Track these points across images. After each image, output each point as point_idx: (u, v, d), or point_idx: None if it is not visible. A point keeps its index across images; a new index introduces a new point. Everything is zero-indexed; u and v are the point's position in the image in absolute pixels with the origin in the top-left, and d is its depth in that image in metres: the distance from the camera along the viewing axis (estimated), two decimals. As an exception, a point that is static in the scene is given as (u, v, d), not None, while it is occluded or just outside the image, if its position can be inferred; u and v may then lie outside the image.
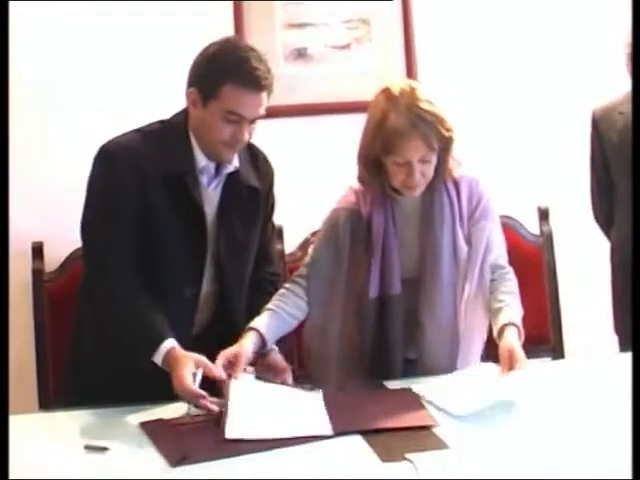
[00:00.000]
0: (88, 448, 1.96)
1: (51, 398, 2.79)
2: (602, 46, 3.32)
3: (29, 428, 2.11)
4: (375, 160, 2.36)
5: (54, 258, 2.89)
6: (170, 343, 2.16)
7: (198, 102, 2.23)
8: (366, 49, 3.18)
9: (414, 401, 2.17)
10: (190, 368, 2.09)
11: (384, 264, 2.41)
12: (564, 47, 3.32)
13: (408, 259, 2.44)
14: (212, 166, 2.31)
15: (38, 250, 2.93)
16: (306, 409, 2.10)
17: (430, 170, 2.34)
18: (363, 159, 2.39)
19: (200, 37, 3.01)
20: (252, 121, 2.24)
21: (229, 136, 2.23)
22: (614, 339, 3.10)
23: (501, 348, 2.27)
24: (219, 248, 2.34)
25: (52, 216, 2.91)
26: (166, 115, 2.95)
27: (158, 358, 2.15)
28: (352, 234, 2.44)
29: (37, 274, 2.89)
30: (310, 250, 2.55)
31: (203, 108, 2.23)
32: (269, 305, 2.38)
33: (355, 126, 3.16)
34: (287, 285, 2.46)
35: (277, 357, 2.33)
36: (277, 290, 2.45)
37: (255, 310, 2.36)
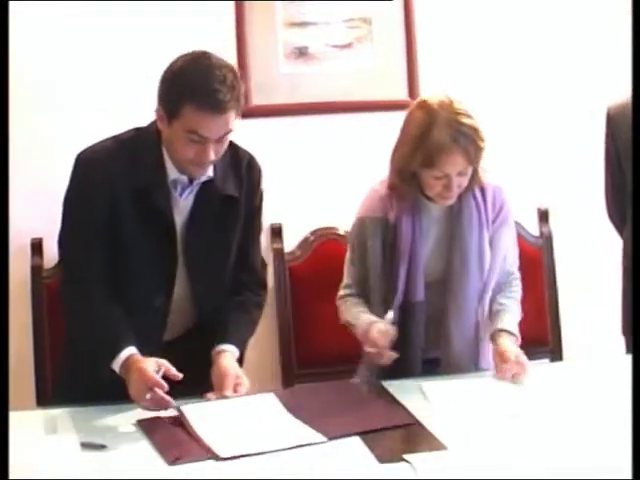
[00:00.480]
0: (85, 445, 1.96)
1: (49, 395, 2.79)
2: (602, 49, 3.32)
3: (26, 425, 2.11)
4: (412, 172, 2.37)
5: (53, 255, 2.88)
6: (129, 351, 2.16)
7: (164, 119, 2.19)
8: (367, 48, 3.17)
9: (384, 399, 2.23)
10: (151, 365, 2.10)
11: (410, 271, 2.44)
12: (564, 48, 3.31)
13: (433, 262, 2.48)
14: (184, 177, 2.28)
15: (37, 247, 2.93)
16: (280, 418, 2.08)
17: (466, 181, 2.38)
18: (399, 171, 2.40)
19: (201, 36, 3.06)
20: (220, 139, 2.19)
21: (194, 155, 2.19)
22: (613, 340, 3.10)
23: (494, 351, 2.37)
24: (190, 256, 2.32)
25: (51, 213, 2.87)
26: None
27: (116, 365, 2.15)
28: (382, 243, 2.46)
29: (36, 270, 2.90)
30: (346, 268, 2.56)
31: (168, 126, 2.19)
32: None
33: (355, 125, 3.20)
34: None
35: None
36: (256, 299, 2.45)
37: (224, 318, 2.37)
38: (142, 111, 3.00)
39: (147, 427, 2.04)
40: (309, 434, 1.97)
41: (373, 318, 2.40)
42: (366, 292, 2.51)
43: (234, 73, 2.18)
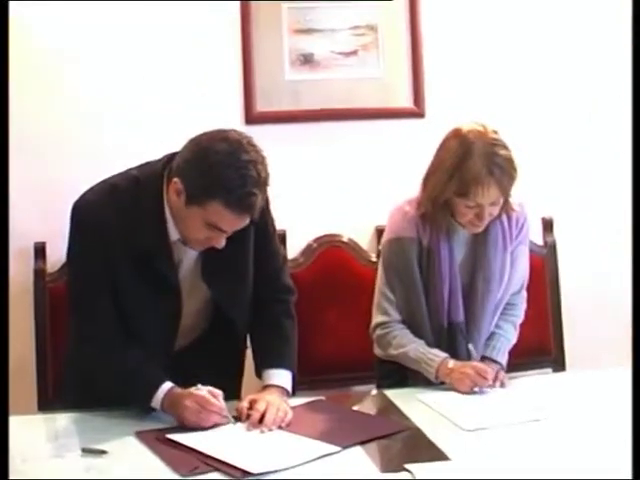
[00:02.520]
0: (85, 451, 1.95)
1: (50, 399, 2.79)
2: (606, 60, 3.32)
3: (27, 429, 2.10)
4: (445, 199, 2.38)
5: (56, 259, 2.88)
6: (168, 385, 2.14)
7: (181, 195, 2.11)
8: (373, 56, 3.17)
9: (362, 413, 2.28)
10: (199, 392, 2.10)
11: (451, 292, 2.46)
12: (569, 58, 3.31)
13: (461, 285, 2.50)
14: None
15: (40, 250, 2.92)
16: (281, 436, 2.05)
17: (497, 210, 2.40)
18: (434, 199, 2.40)
19: (207, 42, 3.06)
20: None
21: (204, 239, 2.15)
22: (616, 350, 3.09)
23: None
24: (209, 283, 2.28)
25: (55, 217, 2.89)
26: (169, 117, 2.99)
27: (157, 403, 2.13)
28: (418, 265, 2.47)
29: (39, 274, 2.89)
30: (380, 290, 2.53)
31: (185, 206, 2.11)
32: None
33: (360, 133, 3.19)
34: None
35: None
36: (282, 308, 2.41)
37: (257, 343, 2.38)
38: (146, 112, 3.04)
39: (150, 441, 2.01)
40: (322, 445, 1.96)
41: (442, 354, 2.40)
42: (408, 317, 2.50)
43: (264, 164, 2.09)
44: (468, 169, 2.29)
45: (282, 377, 2.27)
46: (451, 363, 2.36)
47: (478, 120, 2.41)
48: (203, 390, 2.10)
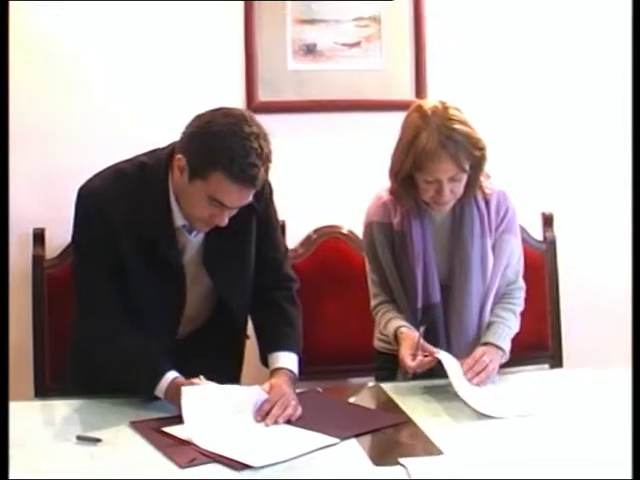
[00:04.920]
0: (80, 439, 1.96)
1: (47, 386, 2.79)
2: (605, 55, 3.31)
3: (24, 416, 2.11)
4: (407, 176, 2.39)
5: (55, 245, 2.88)
6: (172, 374, 2.14)
7: (184, 172, 2.12)
8: (376, 47, 3.16)
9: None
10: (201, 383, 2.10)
11: (425, 274, 2.47)
12: (568, 52, 3.30)
13: (439, 266, 2.50)
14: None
15: (39, 236, 2.92)
16: (277, 427, 2.05)
17: (460, 188, 2.38)
18: (395, 175, 2.42)
19: (210, 31, 3.06)
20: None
21: (207, 217, 2.14)
22: (615, 347, 3.09)
23: (472, 356, 2.35)
24: (211, 272, 2.29)
25: (54, 203, 2.90)
26: (171, 106, 2.99)
27: (160, 392, 2.13)
28: (389, 248, 2.49)
29: (37, 261, 2.89)
30: (368, 274, 2.60)
31: (188, 182, 2.11)
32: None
33: (361, 124, 3.19)
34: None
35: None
36: (285, 294, 2.42)
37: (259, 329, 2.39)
38: (149, 102, 3.04)
39: (145, 430, 2.01)
40: (320, 437, 1.96)
41: (398, 323, 2.44)
42: (391, 297, 2.55)
43: (267, 140, 2.11)
44: (422, 142, 2.29)
45: (289, 360, 2.27)
46: (403, 329, 2.41)
47: (443, 99, 2.40)
48: (204, 381, 2.10)
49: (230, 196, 2.09)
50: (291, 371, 2.25)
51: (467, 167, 2.33)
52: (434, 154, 2.29)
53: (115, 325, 2.21)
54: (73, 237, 2.28)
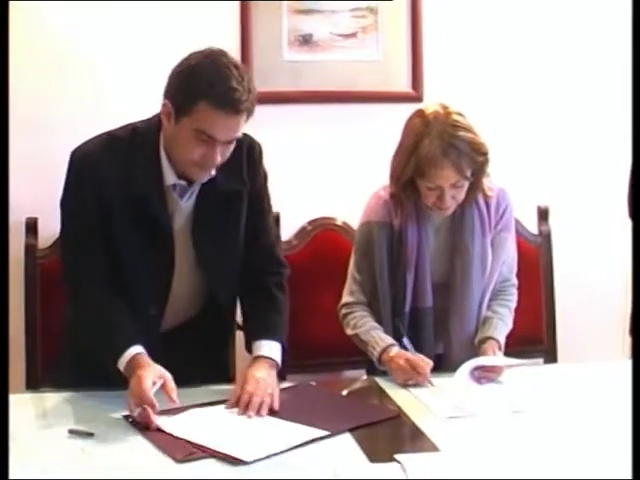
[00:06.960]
0: (72, 432, 1.95)
1: (39, 377, 2.77)
2: (601, 49, 3.31)
3: (15, 408, 2.07)
4: (408, 180, 2.38)
5: (48, 235, 2.86)
6: (136, 349, 2.13)
7: (171, 116, 2.11)
8: (372, 38, 3.14)
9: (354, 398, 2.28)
10: (152, 374, 2.05)
11: (417, 278, 2.46)
12: (564, 47, 3.29)
13: (437, 266, 2.50)
14: (183, 182, 2.22)
15: (32, 226, 2.90)
16: (266, 421, 2.05)
17: (461, 193, 2.38)
18: (397, 179, 2.41)
19: (205, 21, 3.04)
20: (227, 142, 2.13)
21: (199, 157, 2.11)
22: (609, 341, 3.09)
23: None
24: (199, 252, 2.28)
25: (47, 192, 2.86)
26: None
27: (122, 365, 2.12)
28: (388, 249, 2.47)
29: (30, 250, 2.87)
30: (350, 271, 2.56)
31: (175, 123, 2.11)
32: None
33: (357, 115, 3.17)
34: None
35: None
36: (274, 279, 2.40)
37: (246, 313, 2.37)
38: (142, 91, 3.01)
39: (138, 424, 2.00)
40: (311, 430, 1.96)
41: (389, 340, 2.41)
42: (373, 299, 2.52)
43: (249, 76, 2.12)
44: (423, 149, 2.29)
45: (272, 349, 2.26)
46: (393, 351, 2.37)
47: (445, 102, 2.39)
48: (151, 371, 2.05)
49: (217, 125, 2.07)
50: (274, 360, 2.24)
51: (469, 174, 2.33)
52: (436, 161, 2.28)
53: (97, 289, 2.21)
54: (62, 200, 2.28)
